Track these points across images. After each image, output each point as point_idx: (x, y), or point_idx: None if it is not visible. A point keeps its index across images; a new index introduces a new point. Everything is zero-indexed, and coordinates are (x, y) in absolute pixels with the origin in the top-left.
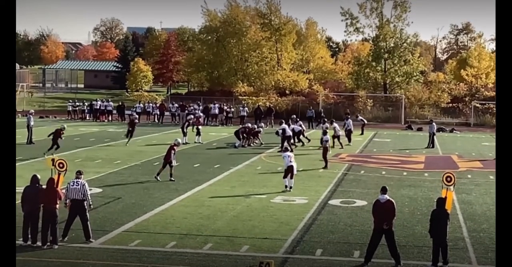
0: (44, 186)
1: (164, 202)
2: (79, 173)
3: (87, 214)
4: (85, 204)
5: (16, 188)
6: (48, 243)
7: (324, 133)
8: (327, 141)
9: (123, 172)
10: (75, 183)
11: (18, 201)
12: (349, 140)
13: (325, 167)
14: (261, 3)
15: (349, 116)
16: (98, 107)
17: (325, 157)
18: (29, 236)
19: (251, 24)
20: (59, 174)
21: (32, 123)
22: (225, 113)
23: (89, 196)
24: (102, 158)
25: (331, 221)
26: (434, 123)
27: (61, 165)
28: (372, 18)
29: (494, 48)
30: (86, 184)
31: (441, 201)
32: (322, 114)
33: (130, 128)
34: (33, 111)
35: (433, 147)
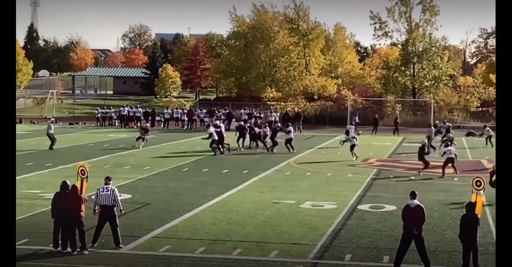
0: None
1: (193, 207)
2: (108, 179)
3: (117, 220)
4: (115, 210)
5: (46, 194)
6: (78, 249)
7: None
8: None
9: (152, 178)
10: (104, 189)
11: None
12: None
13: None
14: (289, 8)
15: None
16: (126, 113)
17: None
18: (60, 242)
19: (279, 29)
20: (82, 181)
21: (51, 131)
22: (254, 119)
23: (119, 201)
24: (131, 164)
25: (360, 226)
26: (433, 128)
27: (82, 172)
28: (401, 22)
29: None
30: (116, 190)
31: (471, 206)
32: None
33: (142, 132)
34: (53, 119)
35: (433, 150)
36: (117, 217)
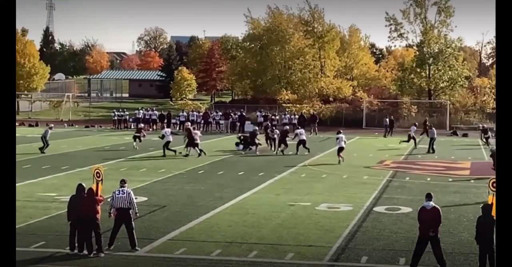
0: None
1: (209, 210)
2: (123, 182)
3: (133, 222)
4: (131, 213)
5: (63, 197)
6: (94, 252)
7: None
8: None
9: (168, 181)
10: (120, 192)
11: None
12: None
13: None
14: (304, 10)
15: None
16: (141, 116)
17: None
18: (76, 244)
19: (294, 31)
20: (97, 183)
21: (47, 137)
22: (269, 121)
23: (135, 204)
24: (147, 166)
25: (376, 228)
26: (434, 129)
27: (98, 174)
28: (416, 23)
29: None
30: (132, 192)
31: (488, 208)
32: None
33: (139, 134)
34: (52, 125)
35: (433, 152)
36: (132, 219)
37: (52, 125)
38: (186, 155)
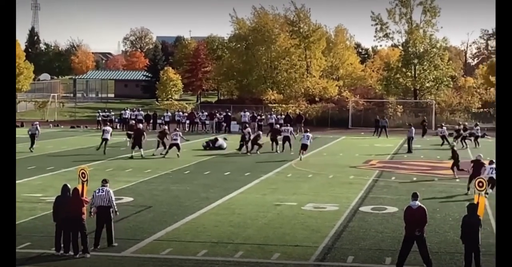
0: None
1: (195, 210)
2: (104, 181)
3: (112, 221)
4: (111, 211)
5: (48, 198)
6: (80, 252)
7: None
8: None
9: (154, 181)
10: (100, 190)
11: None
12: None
13: None
14: (290, 10)
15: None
16: (127, 116)
17: None
18: (62, 245)
19: (280, 31)
20: (82, 184)
21: (37, 134)
22: (256, 121)
23: (114, 202)
24: (133, 167)
25: (362, 227)
26: (413, 128)
27: (83, 175)
28: (401, 23)
29: None
30: (111, 191)
31: (473, 207)
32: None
33: (133, 137)
34: (37, 123)
35: (410, 152)
36: (112, 217)
37: (37, 122)
38: (131, 157)
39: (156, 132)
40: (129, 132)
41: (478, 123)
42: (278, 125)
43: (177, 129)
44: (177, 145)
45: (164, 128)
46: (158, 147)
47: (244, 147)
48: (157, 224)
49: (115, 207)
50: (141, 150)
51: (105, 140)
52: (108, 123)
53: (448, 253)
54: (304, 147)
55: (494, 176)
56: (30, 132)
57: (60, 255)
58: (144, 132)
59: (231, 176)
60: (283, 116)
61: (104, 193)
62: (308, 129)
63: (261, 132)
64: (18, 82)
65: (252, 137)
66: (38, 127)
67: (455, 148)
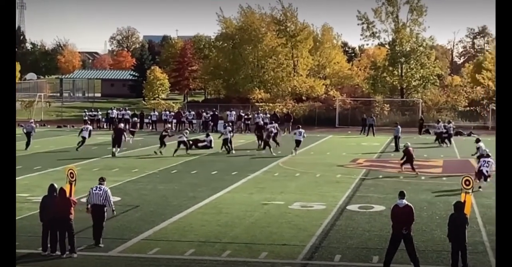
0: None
1: (182, 209)
2: (102, 179)
3: (104, 220)
4: (105, 210)
5: (35, 198)
6: (67, 252)
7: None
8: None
9: (141, 180)
10: (97, 189)
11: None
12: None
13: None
14: (277, 9)
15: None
16: (114, 116)
17: None
18: (49, 245)
19: (266, 30)
20: (70, 184)
21: (33, 132)
22: (243, 120)
23: (111, 202)
24: (120, 166)
25: (349, 226)
26: (399, 126)
27: (71, 175)
28: (388, 22)
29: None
30: (109, 191)
31: (460, 205)
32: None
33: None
34: (33, 120)
35: (397, 150)
36: (105, 217)
37: (32, 120)
38: (113, 155)
39: (144, 131)
40: (132, 129)
41: (451, 120)
42: (264, 124)
43: (187, 128)
44: (184, 143)
45: (168, 127)
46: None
47: (224, 148)
48: (145, 224)
49: (113, 206)
50: (118, 148)
51: (83, 138)
52: (89, 122)
53: (435, 251)
54: (298, 143)
55: (484, 169)
56: (25, 131)
57: (47, 255)
58: (125, 132)
59: (218, 175)
60: (268, 115)
61: (101, 192)
62: (300, 126)
63: (274, 127)
64: None
65: (266, 135)
66: (34, 126)
67: (409, 148)
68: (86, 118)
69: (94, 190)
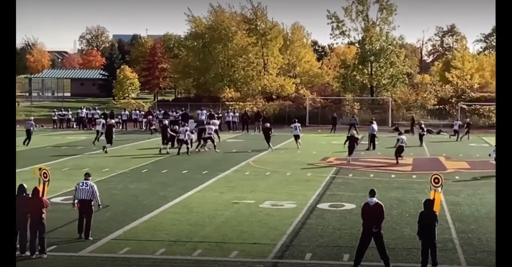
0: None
1: (153, 209)
2: (87, 175)
3: (92, 214)
4: (92, 204)
5: None
6: (37, 253)
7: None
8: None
9: (112, 180)
10: (84, 184)
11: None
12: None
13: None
14: (247, 8)
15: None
16: (84, 115)
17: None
18: (18, 246)
19: (236, 29)
20: (43, 184)
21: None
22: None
23: (98, 196)
24: (90, 166)
25: (320, 225)
26: (373, 125)
27: (45, 175)
28: (358, 21)
29: (479, 49)
30: (95, 186)
31: (429, 203)
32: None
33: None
34: (32, 118)
35: (374, 148)
36: (93, 211)
37: (32, 118)
38: (105, 151)
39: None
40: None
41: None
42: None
43: (186, 125)
44: (185, 141)
45: (165, 124)
46: (164, 143)
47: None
48: (115, 223)
49: (99, 201)
50: (108, 145)
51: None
52: (100, 117)
53: (405, 248)
54: (297, 137)
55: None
56: (26, 128)
57: (17, 256)
58: (114, 128)
59: (188, 174)
60: (237, 114)
61: (87, 187)
62: (296, 120)
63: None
64: None
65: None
66: (33, 123)
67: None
68: (56, 118)
69: (81, 186)
